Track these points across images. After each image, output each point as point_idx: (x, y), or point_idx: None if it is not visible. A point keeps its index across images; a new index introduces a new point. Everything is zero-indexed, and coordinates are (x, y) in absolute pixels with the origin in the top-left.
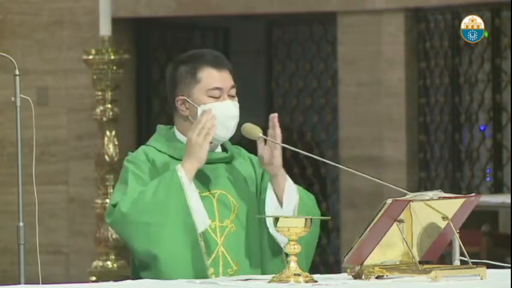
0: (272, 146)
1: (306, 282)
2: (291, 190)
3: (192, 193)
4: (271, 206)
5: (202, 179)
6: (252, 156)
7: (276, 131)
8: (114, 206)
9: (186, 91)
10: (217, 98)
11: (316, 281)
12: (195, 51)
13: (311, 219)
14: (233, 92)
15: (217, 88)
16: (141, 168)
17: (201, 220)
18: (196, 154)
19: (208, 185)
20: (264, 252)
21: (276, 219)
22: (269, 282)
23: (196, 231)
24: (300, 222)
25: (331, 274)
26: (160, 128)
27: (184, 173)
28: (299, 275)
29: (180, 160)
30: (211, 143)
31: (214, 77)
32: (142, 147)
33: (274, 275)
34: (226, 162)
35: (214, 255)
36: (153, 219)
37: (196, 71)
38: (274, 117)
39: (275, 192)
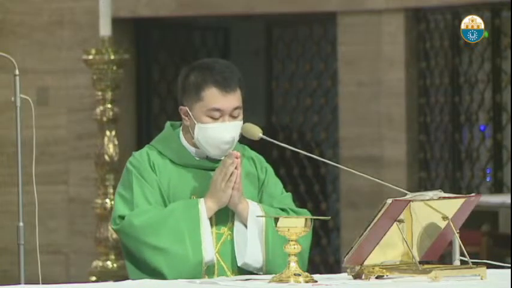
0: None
1: (306, 282)
2: (255, 215)
3: (206, 229)
4: (238, 234)
5: (203, 186)
6: (254, 154)
7: (236, 170)
8: (122, 217)
9: (189, 104)
10: (216, 119)
11: (316, 281)
12: (209, 62)
13: (311, 219)
14: (236, 113)
15: (218, 110)
16: (144, 175)
17: (210, 256)
18: (219, 198)
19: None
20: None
21: (276, 219)
22: (269, 282)
23: (202, 263)
24: (300, 222)
25: (331, 274)
26: (168, 127)
27: (205, 209)
28: (299, 275)
29: (179, 165)
30: (207, 156)
31: (217, 99)
32: (146, 148)
33: (274, 275)
34: None
35: None
36: (165, 245)
37: (200, 89)
38: (238, 156)
39: (240, 221)
